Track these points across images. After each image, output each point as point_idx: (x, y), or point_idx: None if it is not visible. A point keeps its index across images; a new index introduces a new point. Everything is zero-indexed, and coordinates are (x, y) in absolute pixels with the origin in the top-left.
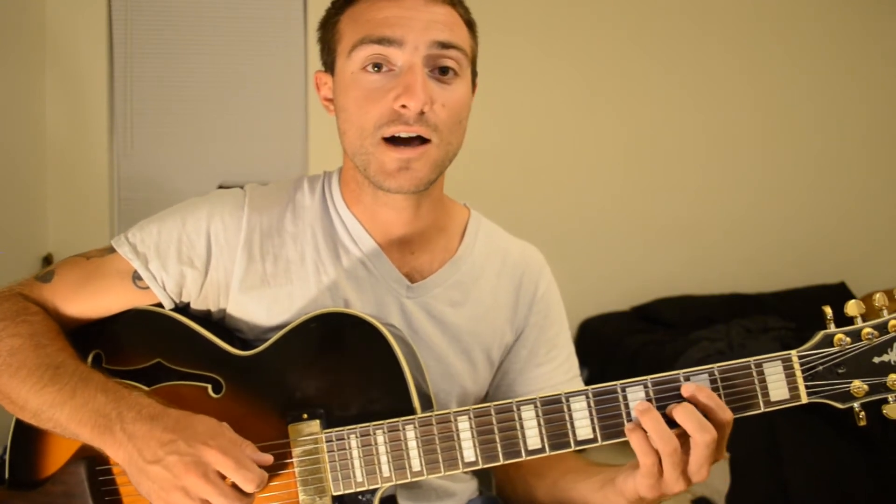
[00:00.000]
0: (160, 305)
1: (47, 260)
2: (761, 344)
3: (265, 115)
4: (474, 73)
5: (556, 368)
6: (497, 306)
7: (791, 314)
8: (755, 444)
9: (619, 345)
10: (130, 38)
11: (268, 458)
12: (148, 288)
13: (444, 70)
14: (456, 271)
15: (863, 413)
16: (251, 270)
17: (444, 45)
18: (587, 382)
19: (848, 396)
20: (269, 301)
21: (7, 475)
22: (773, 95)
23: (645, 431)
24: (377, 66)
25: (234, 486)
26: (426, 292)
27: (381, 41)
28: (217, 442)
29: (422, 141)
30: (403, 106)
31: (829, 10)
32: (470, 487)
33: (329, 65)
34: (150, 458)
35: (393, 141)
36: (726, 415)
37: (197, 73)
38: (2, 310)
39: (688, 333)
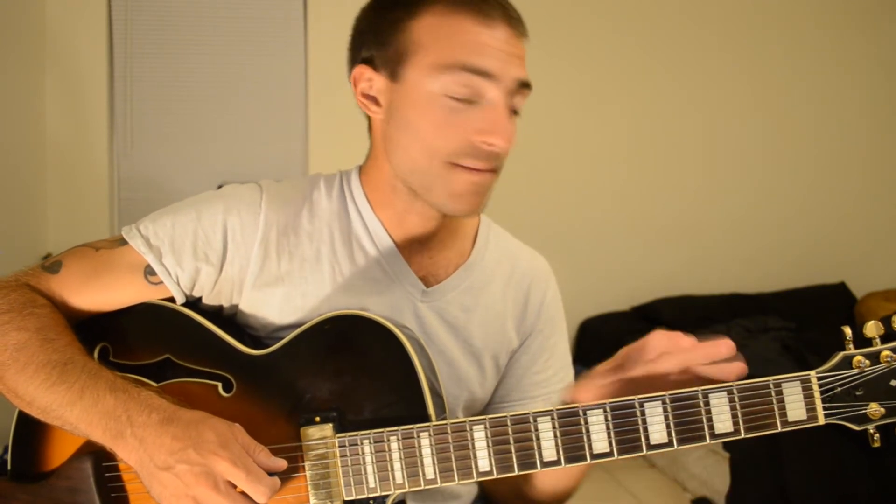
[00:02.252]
0: (170, 299)
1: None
2: (761, 344)
3: (265, 115)
4: None
5: (553, 376)
6: (506, 312)
7: (791, 314)
8: (755, 444)
9: (619, 345)
10: (130, 38)
11: (282, 464)
12: (160, 283)
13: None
14: (469, 276)
15: (877, 435)
16: (266, 267)
17: (523, 85)
18: None
19: (864, 419)
20: (282, 299)
21: (9, 467)
22: (774, 96)
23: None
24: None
25: (245, 494)
26: (441, 296)
27: (478, 72)
28: (228, 452)
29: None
30: (488, 143)
31: (830, 11)
32: (474, 489)
33: (386, 65)
34: (160, 465)
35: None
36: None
37: (197, 73)
38: (8, 301)
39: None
